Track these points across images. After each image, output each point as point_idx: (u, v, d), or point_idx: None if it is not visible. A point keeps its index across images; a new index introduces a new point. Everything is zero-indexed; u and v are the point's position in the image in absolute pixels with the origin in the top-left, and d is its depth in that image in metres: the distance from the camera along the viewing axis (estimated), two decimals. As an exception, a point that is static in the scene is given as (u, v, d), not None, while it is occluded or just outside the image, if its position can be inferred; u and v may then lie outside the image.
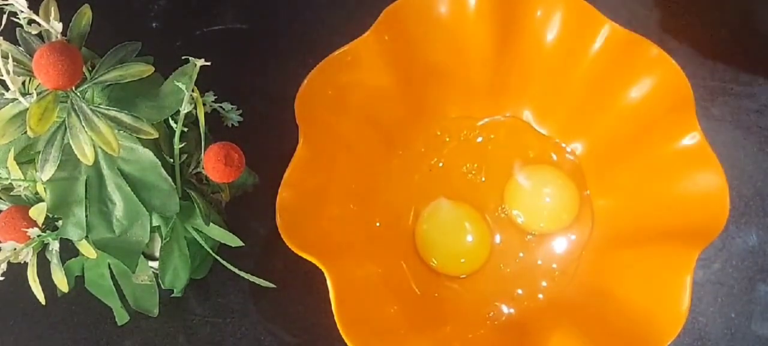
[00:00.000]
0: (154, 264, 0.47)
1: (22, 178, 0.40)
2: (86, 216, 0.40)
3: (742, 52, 0.60)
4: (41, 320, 0.52)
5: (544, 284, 0.52)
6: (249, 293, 0.52)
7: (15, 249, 0.39)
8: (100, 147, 0.37)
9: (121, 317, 0.48)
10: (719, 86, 0.59)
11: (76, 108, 0.37)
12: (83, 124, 0.37)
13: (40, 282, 0.41)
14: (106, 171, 0.40)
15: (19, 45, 0.38)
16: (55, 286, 0.42)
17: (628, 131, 0.51)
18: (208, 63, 0.39)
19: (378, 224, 0.53)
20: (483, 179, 0.55)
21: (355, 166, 0.52)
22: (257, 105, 0.48)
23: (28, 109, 0.35)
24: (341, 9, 0.62)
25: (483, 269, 0.53)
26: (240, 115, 0.45)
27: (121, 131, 0.38)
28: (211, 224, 0.44)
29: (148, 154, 0.40)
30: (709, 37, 0.61)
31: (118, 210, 0.41)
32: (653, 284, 0.45)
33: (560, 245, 0.53)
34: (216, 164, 0.41)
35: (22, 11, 0.37)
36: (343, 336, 0.42)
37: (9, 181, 0.40)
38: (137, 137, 0.39)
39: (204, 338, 0.51)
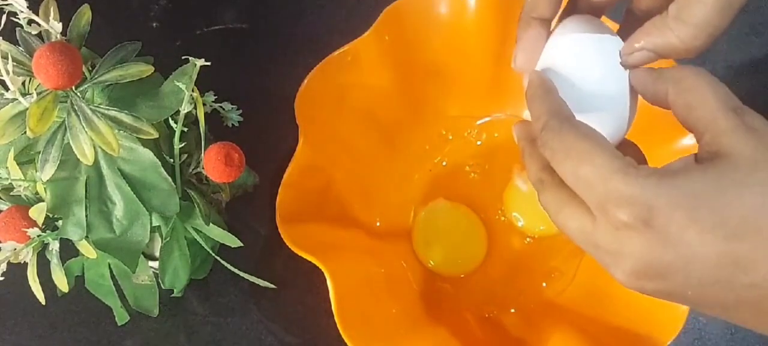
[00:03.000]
0: (154, 264, 0.47)
1: (22, 178, 0.40)
2: (86, 216, 0.40)
3: (742, 52, 0.60)
4: (41, 320, 0.52)
5: (544, 284, 0.52)
6: (249, 292, 0.52)
7: (15, 249, 0.39)
8: (100, 147, 0.37)
9: (121, 317, 0.48)
10: (719, 86, 0.59)
11: (76, 108, 0.37)
12: (83, 124, 0.37)
13: (40, 282, 0.41)
14: (106, 171, 0.40)
15: (19, 45, 0.38)
16: (55, 286, 0.42)
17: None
18: (208, 63, 0.39)
19: (378, 224, 0.53)
20: (485, 178, 0.55)
21: (355, 166, 0.52)
22: (257, 105, 0.48)
23: (28, 109, 0.35)
24: (341, 9, 0.62)
25: (483, 269, 0.53)
26: (240, 115, 0.45)
27: (121, 131, 0.38)
28: (211, 224, 0.44)
29: (148, 154, 0.40)
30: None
31: (118, 210, 0.41)
32: (653, 284, 0.45)
33: (560, 246, 0.53)
34: (216, 164, 0.41)
35: (22, 11, 0.37)
36: (343, 336, 0.42)
37: (9, 181, 0.40)
38: (137, 137, 0.39)
39: (204, 338, 0.51)
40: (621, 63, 0.31)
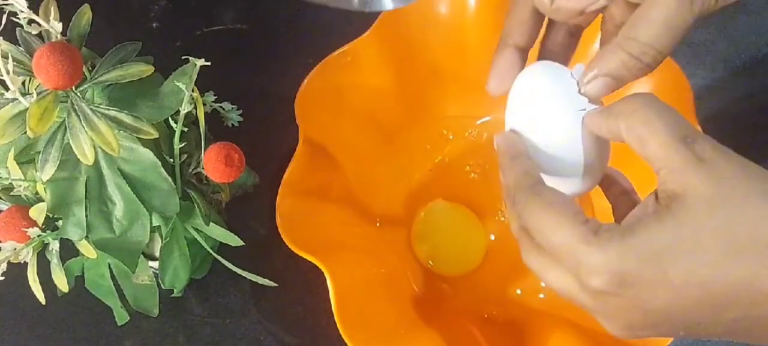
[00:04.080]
0: (154, 264, 0.47)
1: (22, 178, 0.40)
2: (86, 216, 0.40)
3: (742, 52, 0.60)
4: (41, 320, 0.52)
5: (543, 284, 0.51)
6: (249, 293, 0.52)
7: (15, 249, 0.39)
8: (100, 147, 0.37)
9: (121, 317, 0.48)
10: (719, 86, 0.59)
11: (76, 108, 0.37)
12: (83, 124, 0.37)
13: (40, 282, 0.41)
14: (106, 171, 0.40)
15: (19, 45, 0.38)
16: (55, 286, 0.42)
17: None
18: (208, 63, 0.40)
19: (378, 224, 0.53)
20: (485, 178, 0.55)
21: (355, 166, 0.52)
22: (257, 105, 0.48)
23: (28, 109, 0.35)
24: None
25: (483, 269, 0.52)
26: (240, 115, 0.45)
27: (121, 131, 0.38)
28: (211, 223, 0.44)
29: (148, 154, 0.40)
30: (709, 37, 0.61)
31: (118, 210, 0.41)
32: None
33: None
34: (216, 164, 0.41)
35: (22, 11, 0.37)
36: (343, 336, 0.42)
37: (9, 181, 0.40)
38: (137, 137, 0.39)
39: (204, 338, 0.51)
40: (580, 93, 0.31)
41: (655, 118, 0.27)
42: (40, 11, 0.38)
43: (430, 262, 0.52)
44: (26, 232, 0.39)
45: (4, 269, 0.39)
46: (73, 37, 0.38)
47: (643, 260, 0.25)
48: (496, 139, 0.34)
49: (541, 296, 0.51)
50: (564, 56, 0.36)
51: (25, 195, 0.41)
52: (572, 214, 0.27)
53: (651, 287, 0.25)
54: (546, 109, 0.32)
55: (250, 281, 0.46)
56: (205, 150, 0.42)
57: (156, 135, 0.38)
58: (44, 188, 0.39)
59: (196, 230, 0.45)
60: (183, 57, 0.40)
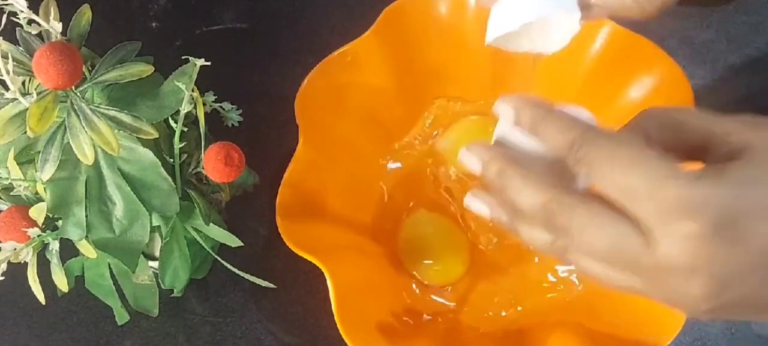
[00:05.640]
0: (154, 264, 0.47)
1: (22, 178, 0.40)
2: (86, 216, 0.40)
3: (742, 52, 0.60)
4: (41, 320, 0.52)
5: (544, 285, 0.51)
6: (249, 292, 0.52)
7: (15, 249, 0.39)
8: (100, 147, 0.37)
9: (121, 316, 0.48)
10: (719, 86, 0.59)
11: (76, 108, 0.37)
12: (83, 124, 0.37)
13: (40, 282, 0.41)
14: (106, 171, 0.40)
15: (19, 45, 0.38)
16: (55, 286, 0.42)
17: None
18: (208, 63, 0.40)
19: (378, 224, 0.53)
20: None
21: (355, 166, 0.52)
22: (257, 105, 0.48)
23: (28, 109, 0.35)
24: (341, 9, 0.62)
25: (483, 270, 0.52)
26: (240, 115, 0.45)
27: (121, 131, 0.38)
28: (211, 224, 0.44)
29: (148, 154, 0.40)
30: (709, 37, 0.61)
31: (118, 210, 0.41)
32: (653, 284, 0.45)
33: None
34: (216, 164, 0.41)
35: (22, 11, 0.37)
36: (343, 336, 0.42)
37: (9, 181, 0.40)
38: (137, 137, 0.39)
39: (204, 338, 0.51)
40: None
41: (684, 110, 0.27)
42: (40, 11, 0.38)
43: (416, 273, 0.51)
44: (26, 232, 0.39)
45: (4, 269, 0.39)
46: (73, 37, 0.38)
47: (742, 194, 0.23)
48: (512, 101, 0.30)
49: (541, 296, 0.51)
50: None
51: (25, 195, 0.41)
52: (655, 149, 0.24)
53: (755, 221, 0.23)
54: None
55: (251, 280, 0.46)
56: (205, 150, 0.42)
57: (156, 135, 0.38)
58: (44, 188, 0.39)
59: (196, 230, 0.45)
60: (183, 57, 0.40)
